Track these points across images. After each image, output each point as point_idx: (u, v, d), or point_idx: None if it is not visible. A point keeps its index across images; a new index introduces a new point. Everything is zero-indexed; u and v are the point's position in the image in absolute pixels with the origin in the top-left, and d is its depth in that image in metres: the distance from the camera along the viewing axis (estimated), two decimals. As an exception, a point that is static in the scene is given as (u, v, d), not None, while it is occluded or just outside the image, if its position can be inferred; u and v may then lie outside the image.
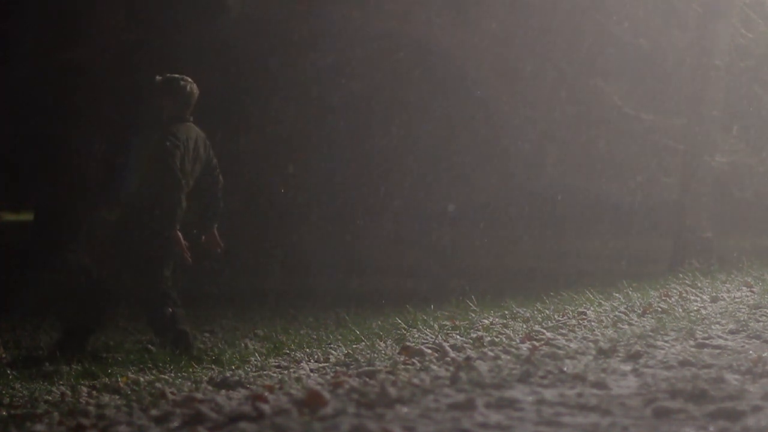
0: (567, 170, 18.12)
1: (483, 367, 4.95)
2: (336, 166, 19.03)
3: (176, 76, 7.91)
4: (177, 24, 17.97)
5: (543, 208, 18.50)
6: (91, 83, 17.18)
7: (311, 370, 5.98)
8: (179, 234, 7.62)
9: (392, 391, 4.28)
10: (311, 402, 4.16)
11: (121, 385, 5.89)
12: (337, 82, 18.27)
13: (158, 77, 7.89)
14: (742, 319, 6.52)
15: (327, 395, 4.27)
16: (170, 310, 7.63)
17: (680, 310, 7.18)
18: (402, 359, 5.68)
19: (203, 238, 8.03)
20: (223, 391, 5.26)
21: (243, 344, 8.23)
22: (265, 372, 6.02)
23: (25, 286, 12.77)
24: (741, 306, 7.27)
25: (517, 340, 6.17)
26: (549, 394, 4.30)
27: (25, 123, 16.98)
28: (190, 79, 7.89)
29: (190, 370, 6.57)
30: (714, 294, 8.14)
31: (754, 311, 6.90)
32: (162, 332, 7.74)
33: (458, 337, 6.59)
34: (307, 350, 7.00)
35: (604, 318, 6.97)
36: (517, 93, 16.78)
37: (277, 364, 6.45)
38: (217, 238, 8.07)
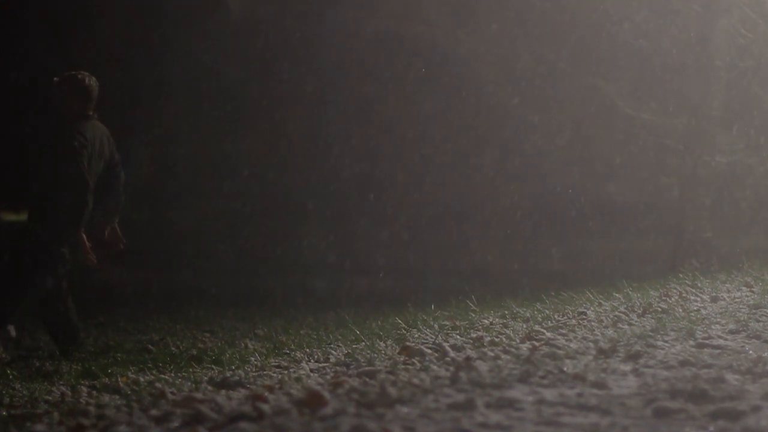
0: (567, 170, 18.12)
1: (483, 367, 4.94)
2: (336, 166, 19.03)
3: (75, 72, 7.82)
4: (177, 24, 17.97)
5: (543, 208, 18.50)
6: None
7: (311, 370, 5.97)
8: (83, 235, 7.59)
9: (392, 391, 4.27)
10: (311, 402, 4.16)
11: (121, 385, 5.89)
12: (336, 82, 18.27)
13: (55, 78, 7.83)
14: (742, 319, 6.52)
15: (327, 395, 4.26)
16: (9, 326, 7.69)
17: (680, 310, 7.17)
18: (402, 359, 5.67)
19: (106, 234, 7.96)
20: (223, 391, 5.25)
21: (243, 344, 8.22)
22: (265, 372, 6.02)
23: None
24: (741, 306, 7.27)
25: (517, 340, 6.16)
26: (549, 394, 4.30)
27: (25, 123, 17.00)
28: (89, 74, 7.82)
29: (190, 370, 6.57)
30: (714, 294, 8.13)
31: (754, 311, 6.90)
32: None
33: (458, 337, 6.58)
34: (307, 350, 6.99)
35: (604, 318, 6.96)
36: (518, 93, 16.78)
37: (277, 364, 6.44)
38: (119, 234, 8.00)
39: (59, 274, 7.68)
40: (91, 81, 7.77)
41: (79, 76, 7.75)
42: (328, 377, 5.41)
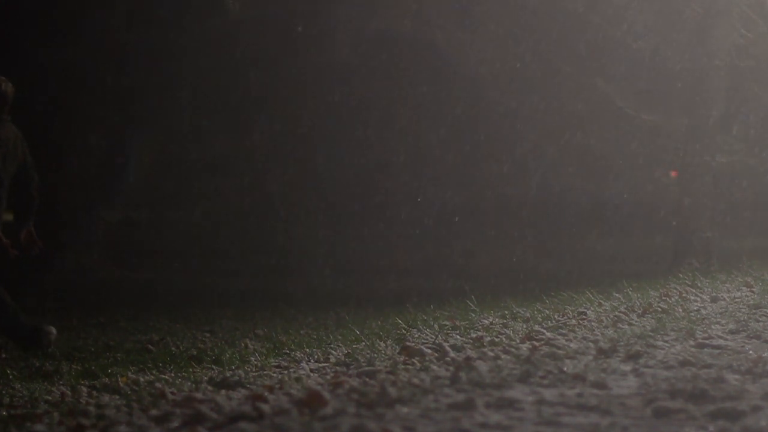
0: (567, 170, 18.13)
1: (483, 367, 4.94)
2: (336, 166, 19.04)
3: None
4: (176, 24, 17.97)
5: (544, 208, 18.50)
6: (90, 83, 17.15)
7: (311, 370, 5.97)
8: None
9: (392, 391, 4.27)
10: (311, 402, 4.16)
11: (121, 385, 5.89)
12: (336, 82, 18.27)
13: None
14: (742, 319, 6.53)
15: (327, 395, 4.26)
16: None
17: (680, 310, 7.18)
18: (402, 359, 5.67)
19: (21, 237, 8.02)
20: (223, 391, 5.25)
21: (243, 344, 8.22)
22: (265, 372, 6.02)
23: (25, 286, 12.77)
24: (741, 306, 7.28)
25: (517, 340, 6.17)
26: (549, 394, 4.30)
27: (23, 123, 16.97)
28: (4, 79, 7.97)
29: (190, 370, 6.57)
30: (714, 294, 8.14)
31: (754, 311, 6.91)
32: None
33: (458, 337, 6.58)
34: (307, 350, 7.00)
35: (604, 318, 6.97)
36: (518, 93, 16.78)
37: (277, 364, 6.44)
38: (35, 236, 8.06)
39: None
40: (7, 87, 7.95)
41: None
42: (328, 377, 5.41)
